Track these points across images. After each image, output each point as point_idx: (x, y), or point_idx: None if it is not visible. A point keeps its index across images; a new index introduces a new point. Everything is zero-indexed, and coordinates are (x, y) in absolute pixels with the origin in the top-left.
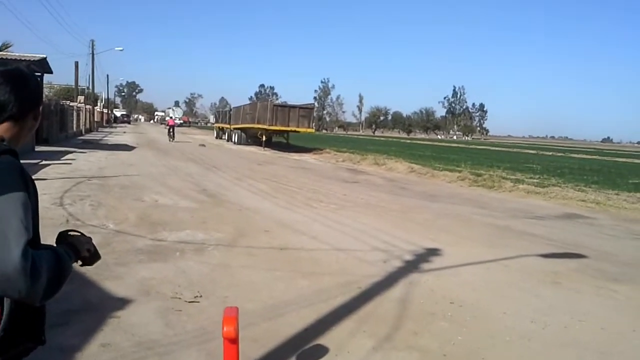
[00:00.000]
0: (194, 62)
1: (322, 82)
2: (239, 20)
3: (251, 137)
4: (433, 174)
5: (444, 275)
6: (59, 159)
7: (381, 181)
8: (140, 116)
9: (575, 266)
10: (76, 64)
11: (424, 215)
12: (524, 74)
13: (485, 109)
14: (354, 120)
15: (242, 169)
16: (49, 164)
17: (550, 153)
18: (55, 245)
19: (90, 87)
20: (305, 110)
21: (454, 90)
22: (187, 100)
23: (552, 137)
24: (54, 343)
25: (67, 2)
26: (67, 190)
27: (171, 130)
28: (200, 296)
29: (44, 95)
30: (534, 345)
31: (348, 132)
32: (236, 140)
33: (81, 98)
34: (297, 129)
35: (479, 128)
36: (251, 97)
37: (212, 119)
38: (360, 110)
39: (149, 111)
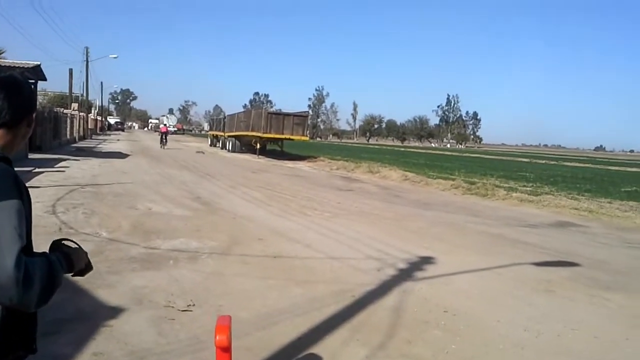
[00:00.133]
0: (188, 69)
1: (316, 90)
2: (234, 28)
3: (245, 145)
4: (427, 182)
5: (438, 283)
6: (52, 167)
7: (375, 189)
8: (134, 124)
9: (569, 274)
10: (70, 71)
11: (417, 224)
12: (517, 83)
13: (478, 118)
14: (348, 128)
15: (236, 177)
16: (42, 172)
17: (543, 161)
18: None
19: (84, 95)
20: (299, 118)
21: (448, 98)
22: (182, 108)
23: (545, 145)
24: (46, 352)
25: (62, 9)
26: (60, 198)
27: (164, 137)
28: (194, 305)
29: (37, 103)
30: (527, 354)
31: (342, 140)
32: (230, 148)
33: (75, 105)
34: (292, 137)
35: (472, 136)
36: (245, 104)
37: (206, 126)
38: (354, 118)
39: (143, 119)
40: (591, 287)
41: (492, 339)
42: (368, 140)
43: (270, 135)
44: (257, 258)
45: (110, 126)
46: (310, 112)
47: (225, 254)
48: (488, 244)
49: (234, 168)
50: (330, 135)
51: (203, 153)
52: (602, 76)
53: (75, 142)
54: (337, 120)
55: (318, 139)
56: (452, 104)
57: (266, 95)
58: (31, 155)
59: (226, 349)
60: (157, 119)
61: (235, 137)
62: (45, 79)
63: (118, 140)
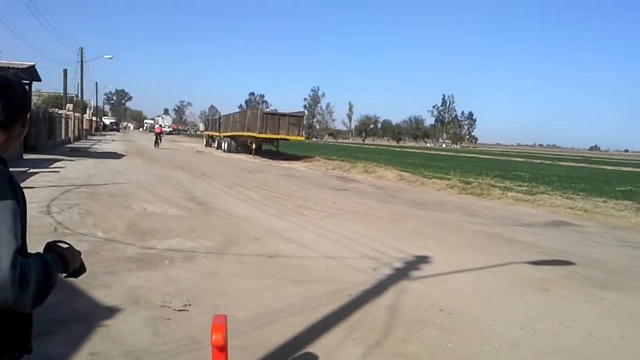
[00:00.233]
0: (183, 70)
1: (312, 90)
2: (229, 28)
3: (241, 145)
4: (422, 181)
5: (434, 282)
6: (47, 167)
7: (371, 189)
8: (129, 124)
9: (564, 273)
10: (65, 71)
11: (413, 223)
12: (512, 83)
13: (474, 118)
14: (343, 128)
15: (232, 177)
16: (37, 172)
17: (539, 161)
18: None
19: (79, 95)
20: (295, 118)
21: (443, 98)
22: (177, 108)
23: (541, 145)
24: (42, 352)
25: (56, 10)
26: (55, 198)
27: (158, 137)
28: (190, 305)
29: (32, 103)
30: (523, 352)
31: (338, 140)
32: (226, 148)
33: (70, 106)
34: (287, 137)
35: (467, 136)
36: (241, 105)
37: (201, 126)
38: (350, 118)
39: (138, 119)
40: (586, 285)
41: (488, 338)
42: (364, 140)
43: (266, 136)
44: (253, 258)
45: (105, 127)
46: (306, 112)
47: (221, 253)
48: (484, 243)
49: (230, 168)
50: (326, 136)
51: (201, 153)
52: (597, 77)
53: (70, 142)
54: (333, 120)
55: (314, 139)
56: (448, 104)
57: (262, 96)
58: (26, 156)
59: (222, 348)
60: (152, 119)
61: (231, 137)
62: (39, 80)
63: (113, 140)
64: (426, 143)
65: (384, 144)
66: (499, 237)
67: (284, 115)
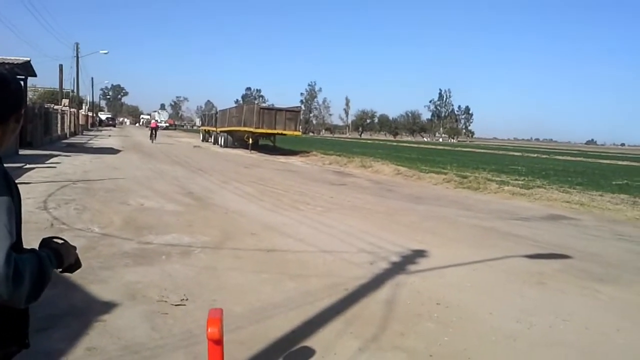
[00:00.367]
0: (180, 65)
1: (309, 85)
2: (226, 23)
3: (238, 140)
4: (419, 176)
5: (430, 276)
6: (43, 163)
7: (368, 184)
8: (125, 119)
9: (560, 267)
10: (60, 67)
11: (410, 217)
12: (509, 78)
13: (470, 112)
14: (340, 123)
15: (229, 172)
16: (33, 168)
17: (535, 155)
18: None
19: (75, 90)
20: (292, 113)
21: (440, 93)
22: (173, 103)
23: (537, 139)
24: (40, 347)
25: (52, 5)
26: (51, 194)
27: (153, 131)
28: (187, 299)
29: (27, 99)
30: (519, 345)
31: (335, 135)
32: (222, 143)
33: (66, 101)
34: (284, 132)
35: (464, 130)
36: (238, 100)
37: (198, 121)
38: (347, 113)
39: (135, 114)
40: (583, 279)
41: (485, 331)
42: (360, 135)
43: (263, 131)
44: (250, 252)
45: (101, 122)
46: (303, 107)
47: (218, 248)
48: (480, 237)
49: (226, 163)
50: (323, 130)
51: (199, 147)
52: (594, 71)
53: (66, 138)
54: (330, 115)
55: (311, 134)
56: (444, 99)
57: (258, 91)
58: (22, 152)
59: (218, 342)
60: (148, 114)
61: (228, 132)
62: (35, 75)
63: (109, 136)
64: (423, 137)
65: (381, 138)
66: (496, 231)
67: (280, 110)
